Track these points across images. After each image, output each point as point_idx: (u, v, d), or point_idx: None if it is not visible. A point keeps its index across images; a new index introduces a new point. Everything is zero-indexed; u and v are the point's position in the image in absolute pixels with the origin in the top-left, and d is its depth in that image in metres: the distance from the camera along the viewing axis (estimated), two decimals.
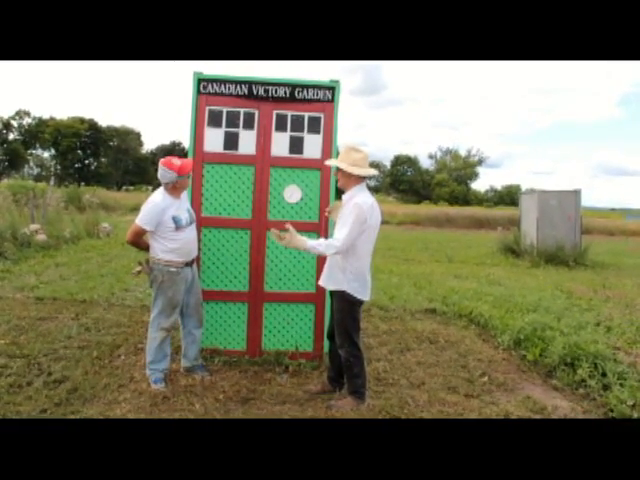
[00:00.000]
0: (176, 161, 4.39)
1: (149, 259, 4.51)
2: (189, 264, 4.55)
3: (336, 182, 4.61)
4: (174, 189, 4.44)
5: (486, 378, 5.11)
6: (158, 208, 4.35)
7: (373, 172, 4.34)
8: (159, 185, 4.56)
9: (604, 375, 4.91)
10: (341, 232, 4.08)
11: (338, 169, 4.29)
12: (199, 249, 4.94)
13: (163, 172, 4.37)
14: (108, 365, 4.97)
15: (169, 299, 4.47)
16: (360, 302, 4.29)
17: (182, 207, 4.49)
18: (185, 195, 4.64)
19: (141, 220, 4.35)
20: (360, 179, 4.26)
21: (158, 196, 4.43)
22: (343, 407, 4.20)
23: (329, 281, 4.32)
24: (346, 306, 4.22)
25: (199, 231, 4.98)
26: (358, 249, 4.15)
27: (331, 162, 4.49)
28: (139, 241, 4.52)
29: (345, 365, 4.33)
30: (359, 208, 4.07)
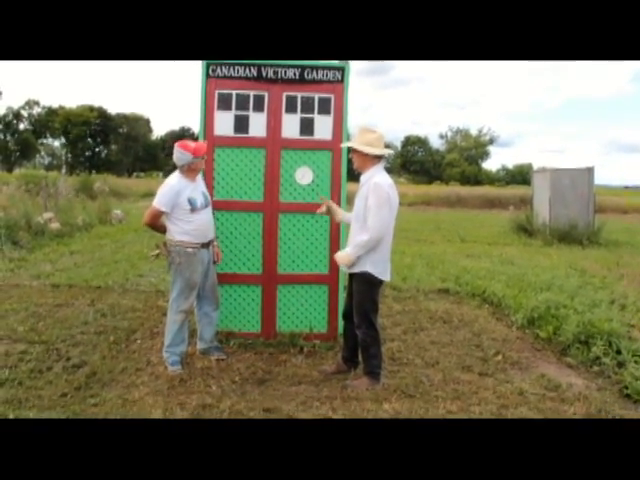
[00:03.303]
0: (191, 143, 4.48)
1: (166, 242, 4.56)
2: (205, 246, 4.58)
3: (348, 163, 4.61)
4: (189, 171, 4.48)
5: (500, 357, 5.12)
6: (174, 190, 4.41)
7: (387, 151, 4.34)
8: (170, 171, 4.60)
9: (619, 353, 4.90)
10: (368, 220, 4.09)
11: (353, 150, 4.28)
12: None
13: (179, 154, 4.42)
14: (125, 349, 5.03)
15: (187, 280, 4.51)
16: (380, 283, 4.31)
17: (197, 189, 4.53)
18: (200, 178, 4.68)
19: (158, 202, 4.42)
20: (376, 160, 4.26)
21: (174, 179, 4.50)
22: (359, 387, 4.24)
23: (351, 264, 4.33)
24: (366, 287, 4.23)
25: None
26: None
27: (345, 143, 4.49)
28: (156, 223, 4.59)
29: (362, 345, 4.36)
30: (379, 187, 4.08)
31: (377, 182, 4.11)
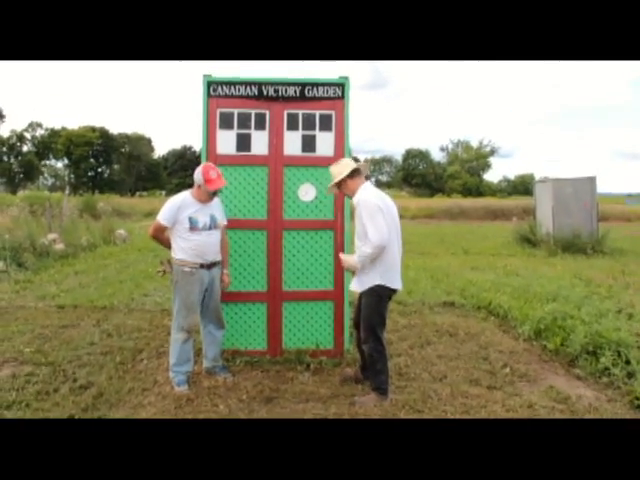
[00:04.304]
0: (213, 173, 4.47)
1: (170, 259, 4.61)
2: (205, 267, 4.58)
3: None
4: (197, 192, 4.52)
5: (508, 369, 5.09)
6: (175, 206, 4.47)
7: (357, 164, 4.43)
8: (171, 189, 4.63)
9: (628, 363, 4.86)
10: (368, 233, 4.15)
11: (338, 186, 4.46)
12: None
13: (197, 173, 4.48)
14: (131, 370, 5.02)
15: (183, 299, 4.53)
16: (390, 295, 4.35)
17: (204, 211, 4.53)
18: (217, 202, 4.69)
19: (160, 215, 4.50)
20: (357, 179, 4.40)
21: (180, 195, 4.58)
22: (366, 403, 4.23)
23: (359, 284, 4.36)
24: (375, 300, 4.27)
25: None
26: None
27: (330, 191, 4.63)
28: (160, 236, 4.65)
29: (369, 360, 4.38)
30: (365, 201, 4.20)
31: (362, 198, 4.25)
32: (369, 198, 4.23)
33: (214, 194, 4.56)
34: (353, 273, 4.45)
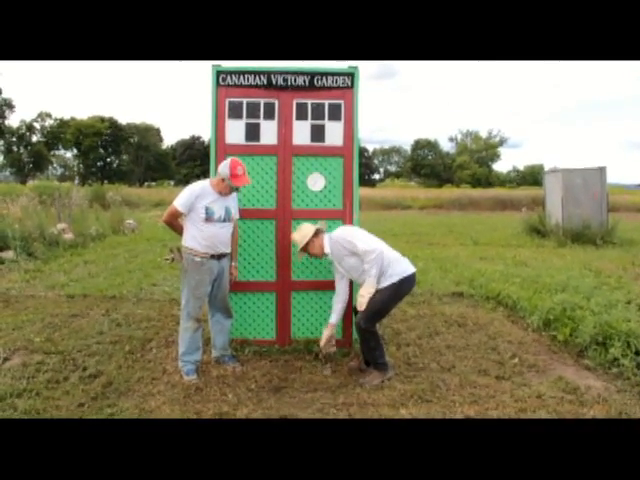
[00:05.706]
0: (240, 169, 4.46)
1: (180, 247, 4.63)
2: (215, 257, 4.59)
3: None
4: (218, 184, 4.52)
5: (517, 360, 5.08)
6: (193, 193, 4.47)
7: (316, 226, 4.71)
8: (180, 180, 4.63)
9: (637, 354, 4.84)
10: (365, 258, 4.39)
11: (306, 249, 4.67)
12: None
13: (223, 166, 4.48)
14: (140, 359, 5.05)
15: (192, 288, 4.55)
16: (408, 286, 4.55)
17: (220, 203, 4.54)
18: (233, 195, 4.68)
19: (177, 201, 4.50)
20: (321, 236, 4.64)
21: (199, 184, 4.59)
22: (372, 381, 4.43)
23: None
24: (389, 295, 4.46)
25: None
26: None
27: (300, 255, 4.83)
28: (174, 222, 4.66)
29: (360, 339, 4.58)
30: (338, 236, 4.57)
31: (334, 237, 4.59)
32: (338, 233, 4.61)
33: (236, 189, 4.56)
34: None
